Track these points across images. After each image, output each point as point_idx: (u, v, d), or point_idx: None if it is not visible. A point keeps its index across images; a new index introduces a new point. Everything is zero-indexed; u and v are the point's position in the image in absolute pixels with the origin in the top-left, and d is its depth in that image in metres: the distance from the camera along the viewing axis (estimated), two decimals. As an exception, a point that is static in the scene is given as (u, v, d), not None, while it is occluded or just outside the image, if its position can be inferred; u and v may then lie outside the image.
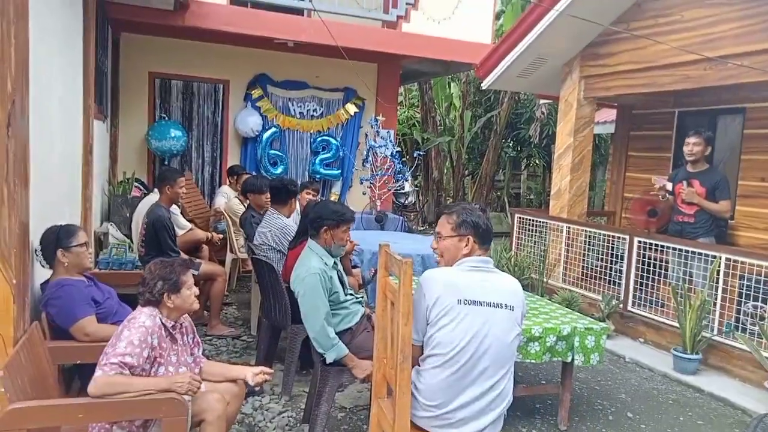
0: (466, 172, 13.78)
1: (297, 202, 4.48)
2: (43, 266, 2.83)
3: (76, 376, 2.94)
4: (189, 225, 5.29)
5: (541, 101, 11.27)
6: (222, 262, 5.67)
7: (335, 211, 3.20)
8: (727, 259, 4.46)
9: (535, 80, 6.63)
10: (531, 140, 12.73)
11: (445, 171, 13.94)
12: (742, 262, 4.40)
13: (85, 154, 4.26)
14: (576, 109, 6.14)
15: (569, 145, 6.21)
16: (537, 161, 14.40)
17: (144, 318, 2.32)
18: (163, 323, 2.37)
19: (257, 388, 2.67)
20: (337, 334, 2.98)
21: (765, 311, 4.21)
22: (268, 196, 4.57)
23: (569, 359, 3.28)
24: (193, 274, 2.56)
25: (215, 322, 4.68)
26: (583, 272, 5.94)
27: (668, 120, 6.83)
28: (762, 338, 4.00)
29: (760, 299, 4.27)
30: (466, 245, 2.30)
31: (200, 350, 2.63)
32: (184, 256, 4.63)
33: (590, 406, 3.84)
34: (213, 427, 2.35)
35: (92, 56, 4.39)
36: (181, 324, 2.52)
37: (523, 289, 2.41)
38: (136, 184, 6.50)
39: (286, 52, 7.38)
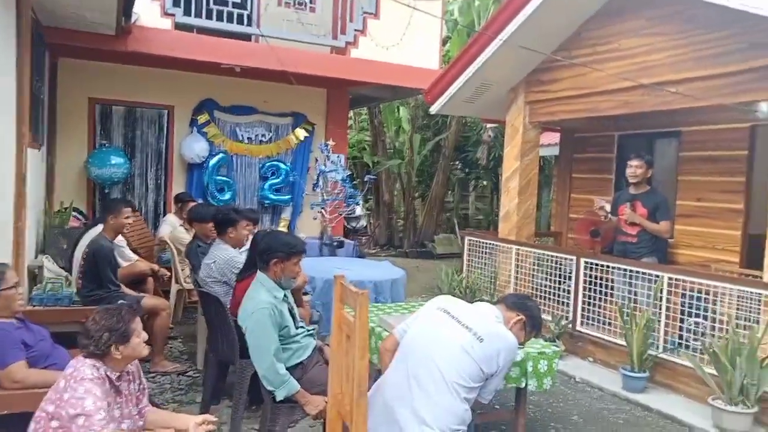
0: (417, 194, 13.90)
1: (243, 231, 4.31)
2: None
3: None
4: (134, 257, 5.09)
5: (488, 125, 11.54)
6: (167, 293, 5.46)
7: (286, 242, 3.11)
8: (670, 278, 4.60)
9: (482, 105, 6.76)
10: (479, 162, 12.98)
11: (396, 194, 14.02)
12: (684, 280, 4.55)
13: (17, 184, 4.03)
14: (522, 133, 6.28)
15: (516, 169, 6.33)
16: (485, 183, 14.69)
17: (88, 370, 2.16)
18: (107, 375, 2.21)
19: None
20: (288, 369, 2.88)
21: (706, 328, 4.35)
22: (210, 226, 4.45)
23: (523, 385, 3.28)
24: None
25: (159, 358, 4.47)
26: (533, 293, 6.01)
27: (609, 143, 7.09)
28: (704, 354, 4.12)
29: (701, 316, 4.42)
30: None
31: (146, 398, 2.47)
32: (125, 289, 4.45)
33: (544, 430, 3.85)
34: None
35: (27, 82, 4.19)
36: (127, 372, 2.37)
37: None
38: (74, 214, 6.23)
39: (234, 77, 7.28)
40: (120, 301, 3.20)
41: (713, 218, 5.87)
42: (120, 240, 4.67)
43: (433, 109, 6.83)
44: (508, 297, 2.71)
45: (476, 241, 6.80)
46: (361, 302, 2.07)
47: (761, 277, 4.17)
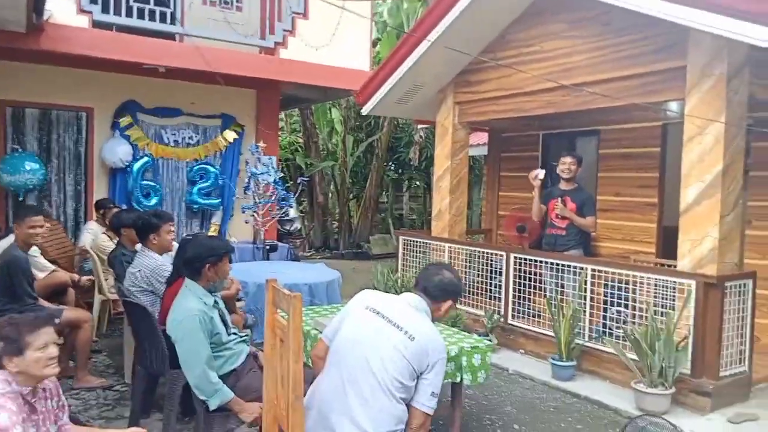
0: (351, 195, 13.90)
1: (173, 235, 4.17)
2: None
3: None
4: (51, 266, 4.80)
5: (419, 126, 11.70)
6: (90, 305, 5.19)
7: (212, 246, 3.05)
8: (593, 269, 4.83)
9: (413, 106, 6.85)
10: (411, 163, 13.14)
11: (330, 195, 13.97)
12: (606, 271, 4.78)
13: None
14: (451, 133, 6.41)
15: (447, 168, 6.46)
16: (418, 183, 14.90)
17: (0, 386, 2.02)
18: (19, 391, 2.08)
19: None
20: (221, 376, 2.80)
21: (627, 316, 4.59)
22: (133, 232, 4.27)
23: (458, 380, 3.34)
24: (54, 324, 2.28)
25: (83, 373, 4.24)
26: (466, 289, 6.15)
27: (534, 142, 7.35)
28: (626, 341, 4.35)
29: (623, 305, 4.65)
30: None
31: (66, 415, 2.33)
32: (43, 302, 4.20)
33: (479, 422, 3.94)
34: None
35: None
36: (43, 389, 2.23)
37: None
38: (-16, 224, 5.82)
39: (157, 78, 7.03)
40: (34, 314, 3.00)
41: (631, 212, 6.21)
42: (34, 250, 4.40)
43: (365, 111, 6.86)
44: (428, 286, 2.53)
45: (410, 240, 6.87)
46: (294, 305, 2.05)
47: (675, 267, 4.44)
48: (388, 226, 13.72)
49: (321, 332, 3.30)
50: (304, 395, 2.19)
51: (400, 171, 14.14)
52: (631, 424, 3.13)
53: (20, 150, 6.58)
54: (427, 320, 2.45)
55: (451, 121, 6.41)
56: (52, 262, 5.14)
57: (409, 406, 2.32)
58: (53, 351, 2.17)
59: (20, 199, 6.50)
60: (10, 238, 4.25)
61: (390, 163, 13.86)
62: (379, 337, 2.32)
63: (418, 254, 6.68)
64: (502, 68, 5.59)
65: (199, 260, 2.97)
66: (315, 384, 2.38)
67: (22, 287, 3.88)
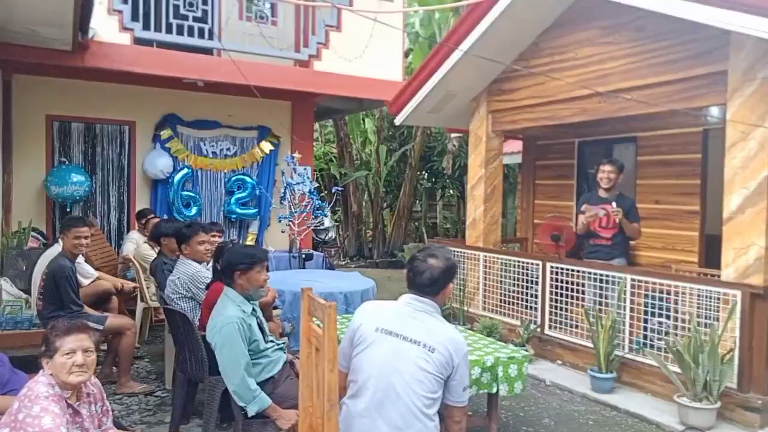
0: (385, 204, 13.94)
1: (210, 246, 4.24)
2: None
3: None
4: (95, 273, 4.97)
5: (452, 135, 11.68)
6: (133, 313, 5.34)
7: (246, 254, 3.11)
8: (632, 279, 4.72)
9: (446, 115, 6.85)
10: (444, 172, 13.11)
11: (364, 205, 14.04)
12: (646, 281, 4.67)
13: (-29, 205, 3.91)
14: (485, 142, 6.38)
15: (481, 177, 6.43)
16: (451, 192, 14.84)
17: (42, 388, 2.10)
18: (60, 395, 2.16)
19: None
20: (259, 384, 2.85)
21: (669, 327, 4.47)
22: (173, 242, 4.39)
23: (494, 390, 3.31)
24: (98, 330, 2.36)
25: (125, 379, 4.36)
26: (501, 299, 6.09)
27: (570, 150, 7.26)
28: (668, 353, 4.23)
29: (663, 315, 4.54)
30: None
31: (109, 420, 2.41)
32: (88, 309, 4.34)
33: (517, 434, 3.89)
34: None
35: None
36: (87, 393, 2.30)
37: (445, 319, 2.44)
38: (33, 234, 6.04)
39: (196, 92, 7.22)
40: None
41: (671, 220, 6.06)
42: (80, 258, 4.56)
43: (398, 120, 6.89)
44: (422, 284, 2.35)
45: (444, 247, 6.83)
46: (329, 314, 2.07)
47: (719, 276, 4.31)
48: (422, 235, 13.69)
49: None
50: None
51: (433, 180, 14.12)
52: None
53: (67, 163, 6.83)
54: (437, 320, 2.34)
55: (484, 129, 6.38)
56: (97, 270, 5.31)
57: (442, 405, 2.30)
58: (80, 359, 2.19)
59: (67, 210, 6.74)
60: (57, 248, 4.42)
61: (423, 173, 13.86)
62: (400, 359, 2.21)
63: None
64: (536, 76, 5.55)
65: (231, 267, 3.03)
66: (344, 416, 2.26)
67: (68, 295, 4.02)
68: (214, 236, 4.43)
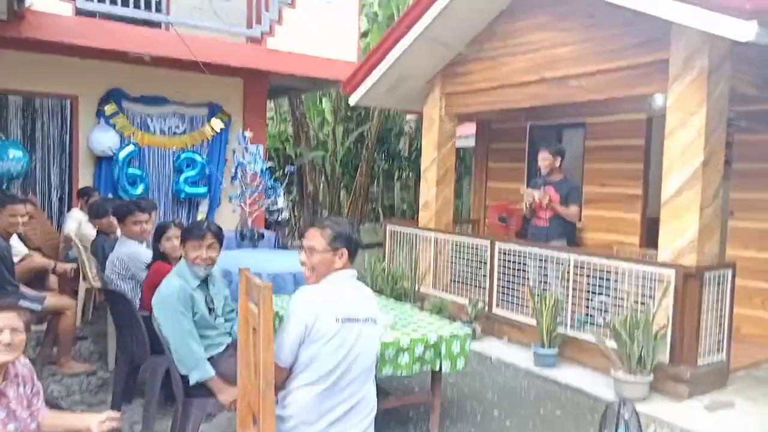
0: (341, 185, 13.89)
1: (146, 225, 4.13)
2: None
3: None
4: (26, 251, 4.79)
5: (408, 116, 11.70)
6: (76, 293, 5.18)
7: (184, 227, 3.18)
8: (575, 260, 4.87)
9: (401, 97, 6.84)
10: (401, 153, 13.14)
11: (321, 185, 13.96)
12: (588, 262, 4.82)
13: None
14: (439, 124, 6.42)
15: (434, 159, 6.47)
16: (409, 173, 14.91)
17: None
18: None
19: (114, 432, 2.44)
20: (198, 361, 2.83)
21: (609, 305, 4.64)
22: (112, 219, 4.27)
23: (438, 367, 3.38)
24: (34, 310, 2.29)
25: (65, 359, 4.25)
26: (452, 278, 6.19)
27: (521, 134, 7.38)
28: (607, 329, 4.40)
29: (604, 295, 4.70)
30: (340, 258, 2.30)
31: (40, 400, 2.34)
32: (25, 288, 4.19)
33: (460, 409, 3.98)
34: None
35: None
36: (15, 374, 2.23)
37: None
38: (-32, 211, 5.76)
39: (143, 66, 6.97)
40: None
41: (616, 203, 6.26)
42: (13, 237, 4.39)
43: (352, 101, 6.85)
44: (314, 236, 2.32)
45: (397, 229, 6.90)
46: (264, 295, 2.06)
47: (656, 257, 4.49)
48: (378, 216, 13.74)
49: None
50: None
51: (390, 161, 14.15)
52: (609, 408, 3.17)
53: (3, 138, 6.52)
54: (364, 286, 2.41)
55: (438, 112, 6.41)
56: (37, 249, 5.12)
57: None
58: (6, 337, 2.12)
59: (4, 187, 6.45)
60: (-9, 226, 4.23)
61: (380, 154, 13.86)
62: (364, 341, 2.25)
63: (405, 244, 6.71)
64: (490, 60, 5.60)
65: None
66: (306, 403, 2.18)
67: (2, 275, 3.87)
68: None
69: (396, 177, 15.66)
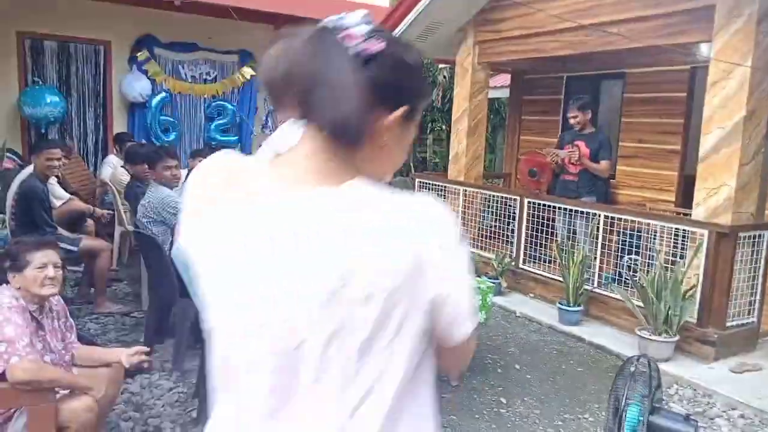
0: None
1: (176, 171, 4.21)
2: None
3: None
4: (67, 195, 4.94)
5: (441, 66, 11.42)
6: (112, 237, 5.36)
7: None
8: (606, 217, 4.77)
9: (433, 45, 6.66)
10: (434, 104, 12.91)
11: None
12: (619, 219, 4.72)
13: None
14: (471, 74, 6.25)
15: (465, 110, 6.34)
16: (441, 126, 14.68)
17: (5, 299, 2.14)
18: (24, 307, 2.20)
19: (145, 365, 2.56)
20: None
21: (639, 264, 4.56)
22: (145, 166, 4.35)
23: (458, 318, 3.40)
24: (71, 251, 2.40)
25: (101, 299, 4.43)
26: (479, 233, 6.15)
27: (557, 85, 7.13)
28: (635, 289, 4.34)
29: (634, 253, 4.62)
30: None
31: (73, 335, 2.47)
32: (62, 230, 4.34)
33: (481, 361, 4.02)
34: None
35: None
36: (50, 308, 2.35)
37: None
38: (8, 155, 5.95)
39: (173, 11, 6.94)
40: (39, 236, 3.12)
41: (652, 159, 6.05)
42: (51, 179, 4.53)
43: (383, 48, 6.69)
44: None
45: (426, 182, 6.85)
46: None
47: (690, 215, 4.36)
48: (410, 169, 13.66)
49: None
50: None
51: (424, 113, 13.94)
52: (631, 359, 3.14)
53: (40, 83, 6.64)
54: None
55: (470, 61, 6.23)
56: (74, 194, 5.28)
57: None
58: (51, 272, 2.26)
59: (42, 131, 6.62)
60: (29, 169, 4.37)
61: (413, 105, 13.67)
62: None
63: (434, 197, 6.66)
64: (523, 6, 5.37)
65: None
66: None
67: (41, 217, 4.02)
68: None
69: (429, 129, 15.46)
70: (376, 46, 0.82)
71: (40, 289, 2.24)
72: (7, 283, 2.21)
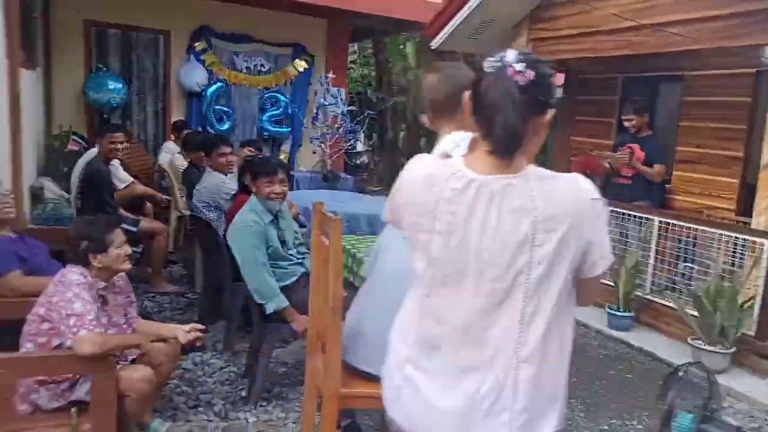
0: (422, 133, 13.77)
1: (231, 158, 4.33)
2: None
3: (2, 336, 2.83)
4: (130, 179, 5.14)
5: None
6: (168, 222, 5.54)
7: (255, 164, 3.29)
8: (660, 222, 4.64)
9: (486, 41, 6.59)
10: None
11: (402, 132, 13.90)
12: (674, 225, 4.58)
13: (11, 104, 4.02)
14: (525, 72, 6.15)
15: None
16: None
17: (75, 276, 2.25)
18: (93, 284, 2.30)
19: (198, 344, 2.67)
20: (273, 289, 2.97)
21: (694, 272, 4.42)
22: (201, 153, 4.50)
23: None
24: (132, 232, 2.51)
25: (158, 279, 4.61)
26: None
27: (613, 86, 6.95)
28: (689, 298, 4.21)
29: (689, 261, 4.48)
30: None
31: (134, 310, 2.58)
32: (122, 212, 4.52)
33: (525, 361, 3.98)
34: (135, 404, 2.31)
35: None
36: (113, 283, 2.46)
37: None
38: (74, 137, 6.22)
39: (231, 3, 7.10)
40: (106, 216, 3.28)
41: (712, 165, 5.84)
42: (115, 162, 4.72)
43: (435, 44, 6.68)
44: None
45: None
46: (334, 227, 2.13)
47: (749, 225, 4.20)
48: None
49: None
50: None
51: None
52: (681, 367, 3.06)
53: (104, 70, 6.90)
54: None
55: (524, 59, 6.14)
56: (134, 177, 5.48)
57: None
58: (128, 249, 2.41)
59: (105, 116, 6.88)
60: (94, 151, 4.57)
61: (463, 102, 13.56)
62: None
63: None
64: (579, 4, 5.27)
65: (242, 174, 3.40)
66: (356, 311, 2.33)
67: (104, 197, 4.19)
68: (251, 151, 4.72)
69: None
70: (531, 75, 1.18)
71: (121, 265, 2.37)
72: (80, 263, 2.30)
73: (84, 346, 2.08)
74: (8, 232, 2.80)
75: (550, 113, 1.24)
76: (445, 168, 1.28)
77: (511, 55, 1.19)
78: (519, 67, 1.17)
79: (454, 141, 1.55)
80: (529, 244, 1.18)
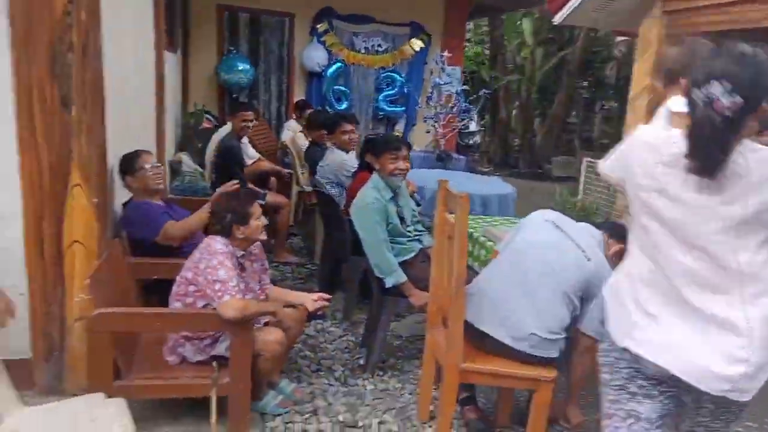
0: (536, 112, 13.34)
1: (353, 135, 4.45)
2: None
3: (152, 295, 3.16)
4: (257, 155, 5.46)
5: (618, 39, 10.64)
6: (289, 197, 5.84)
7: (379, 141, 3.38)
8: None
9: (613, 15, 6.20)
10: (607, 81, 12.12)
11: (514, 111, 13.55)
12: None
13: (157, 84, 4.40)
14: (656, 47, 5.75)
15: (646, 86, 5.86)
16: (613, 103, 13.74)
17: (219, 245, 2.45)
18: (233, 253, 2.50)
19: (319, 312, 2.83)
20: (392, 264, 3.06)
21: None
22: (324, 132, 4.67)
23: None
24: (260, 204, 2.68)
25: (281, 250, 4.89)
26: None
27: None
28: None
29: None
30: None
31: (268, 277, 2.77)
32: (250, 186, 4.83)
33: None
34: (268, 363, 2.51)
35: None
36: (250, 252, 2.65)
37: None
38: (207, 116, 6.69)
39: (352, -16, 7.24)
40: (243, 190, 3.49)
41: None
42: (244, 139, 5.03)
43: (557, 19, 6.38)
44: (613, 225, 2.56)
45: (596, 163, 6.50)
46: (461, 205, 2.14)
47: None
48: (575, 149, 13.03)
49: (489, 240, 3.39)
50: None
51: (593, 89, 13.14)
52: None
53: (234, 51, 7.34)
54: (601, 251, 2.39)
55: (656, 33, 5.71)
56: (259, 153, 5.82)
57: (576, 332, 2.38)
58: (264, 220, 2.59)
59: (233, 96, 7.34)
60: (227, 128, 4.90)
61: (583, 81, 12.91)
62: (559, 247, 2.36)
63: (602, 181, 6.32)
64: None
65: (365, 151, 3.51)
66: (486, 276, 2.47)
67: (235, 171, 4.50)
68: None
69: (598, 107, 14.55)
70: (740, 102, 1.32)
71: (259, 235, 2.56)
72: (224, 234, 2.50)
73: (228, 310, 2.27)
74: (159, 200, 3.09)
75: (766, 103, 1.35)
76: (665, 136, 1.48)
77: (716, 89, 1.31)
78: (726, 101, 1.30)
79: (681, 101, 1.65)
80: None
